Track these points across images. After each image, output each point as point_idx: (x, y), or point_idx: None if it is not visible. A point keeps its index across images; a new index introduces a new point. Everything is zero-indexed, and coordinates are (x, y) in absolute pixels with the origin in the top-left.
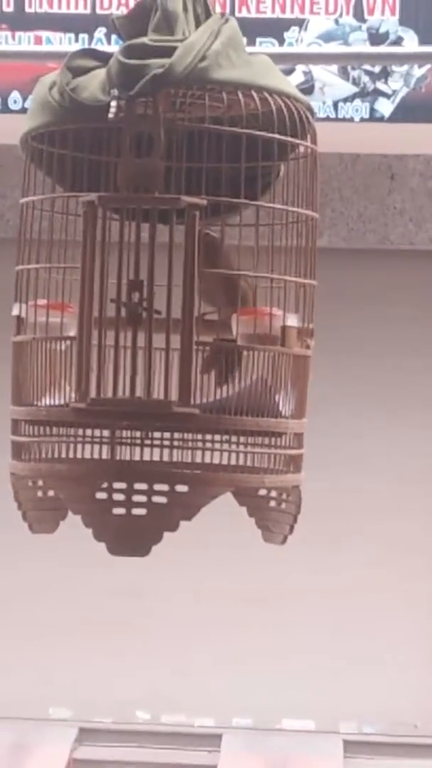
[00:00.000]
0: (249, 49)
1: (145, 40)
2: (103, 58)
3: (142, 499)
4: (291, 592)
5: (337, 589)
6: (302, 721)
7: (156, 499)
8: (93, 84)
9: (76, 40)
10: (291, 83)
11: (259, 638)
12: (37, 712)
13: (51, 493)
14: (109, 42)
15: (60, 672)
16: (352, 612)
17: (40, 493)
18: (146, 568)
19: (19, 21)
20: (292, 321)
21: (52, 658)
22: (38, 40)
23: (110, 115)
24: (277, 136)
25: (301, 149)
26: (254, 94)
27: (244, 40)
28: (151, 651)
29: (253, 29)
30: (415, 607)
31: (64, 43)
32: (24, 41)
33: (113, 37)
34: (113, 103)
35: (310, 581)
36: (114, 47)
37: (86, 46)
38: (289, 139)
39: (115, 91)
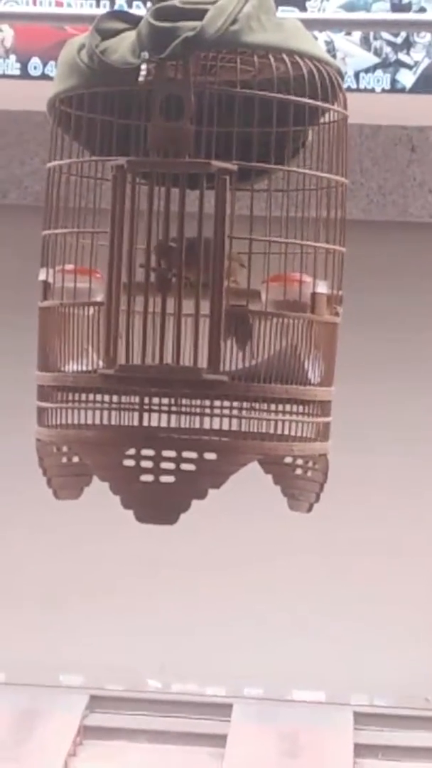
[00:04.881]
0: None
1: (175, 2)
2: (133, 20)
3: (171, 466)
4: (303, 563)
5: (350, 559)
6: (313, 693)
7: (184, 466)
8: (122, 46)
9: (98, 5)
10: (321, 47)
11: (271, 609)
12: (47, 679)
13: (75, 459)
14: (130, 7)
15: (71, 639)
16: (364, 583)
17: (64, 459)
18: (159, 536)
19: None
20: (322, 288)
21: (63, 625)
22: (59, 5)
23: (140, 79)
24: (308, 100)
25: (332, 114)
26: (285, 57)
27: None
28: (163, 619)
29: None
30: (428, 578)
31: (85, 8)
32: (45, 6)
33: (134, 2)
34: (143, 66)
35: (322, 552)
36: (137, 12)
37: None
38: (321, 103)
39: (145, 54)
